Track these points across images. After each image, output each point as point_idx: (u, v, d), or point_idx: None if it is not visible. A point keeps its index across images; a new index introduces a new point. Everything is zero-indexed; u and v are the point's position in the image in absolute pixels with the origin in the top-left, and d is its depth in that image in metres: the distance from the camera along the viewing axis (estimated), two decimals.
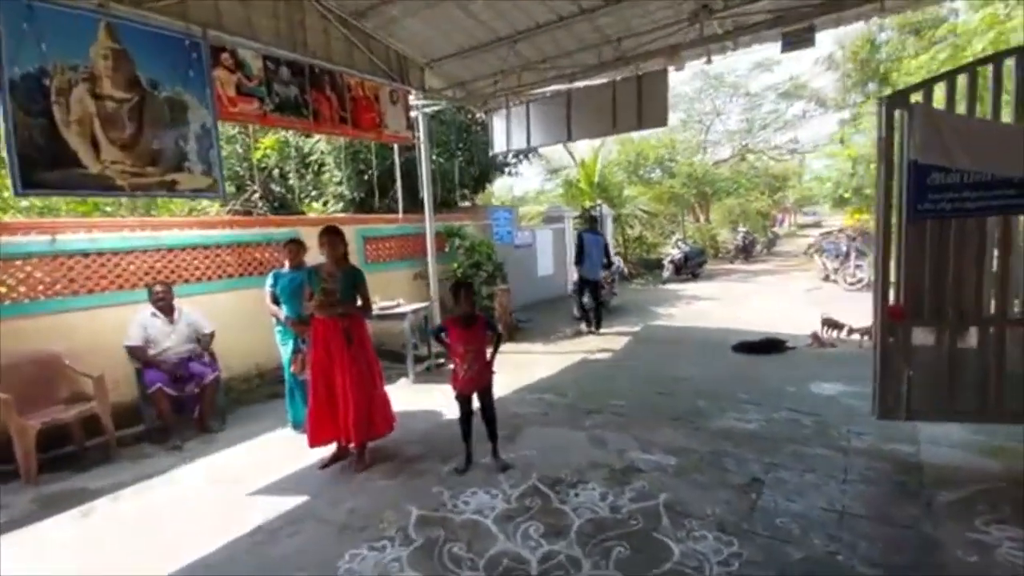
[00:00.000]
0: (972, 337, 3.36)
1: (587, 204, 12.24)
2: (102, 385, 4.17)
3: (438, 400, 5.07)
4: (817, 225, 32.48)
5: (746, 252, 18.17)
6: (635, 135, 16.32)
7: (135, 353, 4.39)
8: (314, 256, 4.44)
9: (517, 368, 5.99)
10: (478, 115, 8.79)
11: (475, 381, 3.58)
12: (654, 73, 6.01)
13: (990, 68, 3.18)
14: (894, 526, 2.79)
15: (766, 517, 2.91)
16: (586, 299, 7.91)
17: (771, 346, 6.26)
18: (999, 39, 6.87)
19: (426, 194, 6.98)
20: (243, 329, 5.41)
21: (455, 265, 7.49)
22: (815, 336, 6.52)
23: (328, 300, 3.61)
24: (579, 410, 4.67)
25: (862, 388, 4.81)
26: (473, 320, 3.55)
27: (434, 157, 7.57)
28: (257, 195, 7.89)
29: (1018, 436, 3.48)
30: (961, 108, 3.29)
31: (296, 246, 4.44)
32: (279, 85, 5.00)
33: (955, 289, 3.32)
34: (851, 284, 10.60)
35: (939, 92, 3.36)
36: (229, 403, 5.09)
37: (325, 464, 3.81)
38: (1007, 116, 3.24)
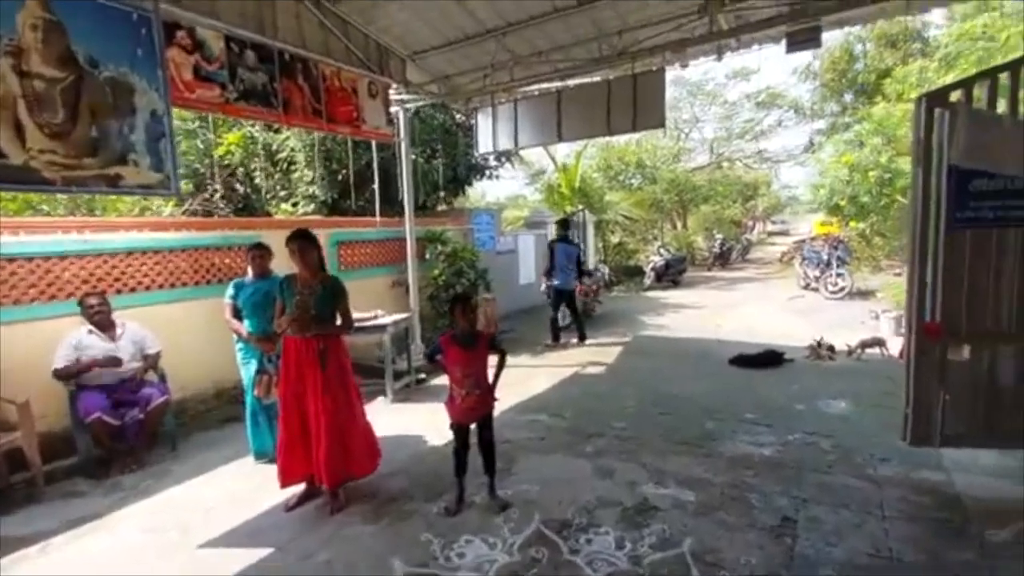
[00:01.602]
0: (1011, 356, 3.10)
1: (569, 209, 11.92)
2: (27, 412, 3.55)
3: (421, 422, 4.58)
4: (785, 233, 33.21)
5: (723, 259, 18.22)
6: (615, 140, 16.17)
7: (64, 376, 3.76)
8: (283, 264, 3.92)
9: (504, 385, 5.52)
10: (458, 116, 8.35)
11: (475, 410, 3.14)
12: (650, 72, 5.71)
13: None
14: (951, 573, 2.48)
15: (808, 567, 2.56)
16: (561, 313, 7.46)
17: (770, 359, 6.01)
18: (990, 51, 6.91)
19: (406, 196, 6.48)
20: (199, 344, 4.81)
21: (436, 272, 6.99)
22: (813, 348, 6.31)
23: (302, 316, 3.10)
24: (579, 433, 4.26)
25: (870, 405, 4.60)
26: (474, 339, 3.11)
27: (414, 157, 7.06)
28: (219, 195, 7.22)
29: None
30: (1001, 109, 3.04)
31: (261, 252, 3.89)
32: (244, 71, 4.44)
33: (995, 305, 3.07)
34: (833, 292, 10.58)
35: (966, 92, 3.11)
36: (181, 428, 4.48)
37: (292, 505, 3.28)
38: None
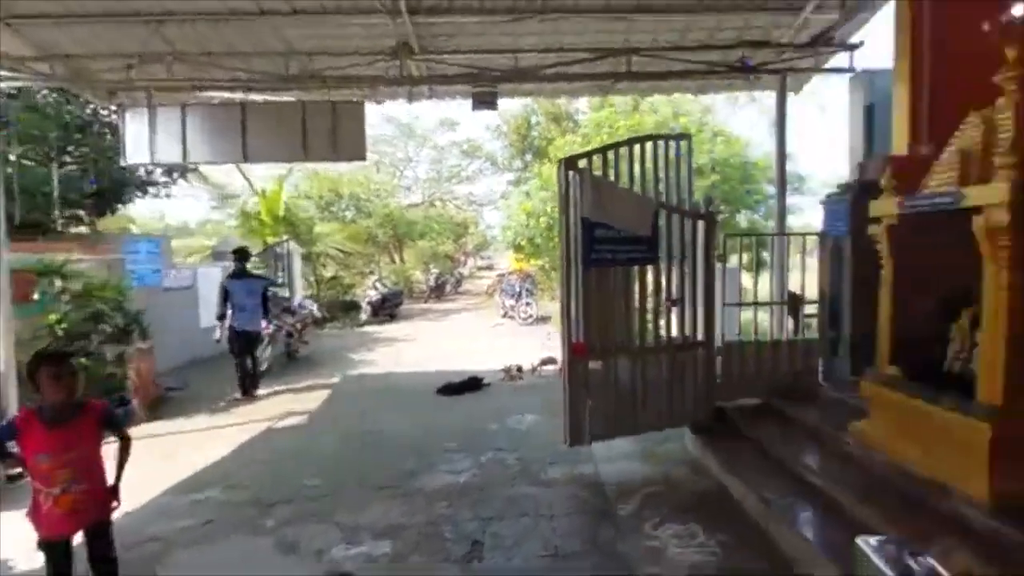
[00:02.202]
0: (626, 365, 4.00)
1: (271, 240, 10.69)
2: None
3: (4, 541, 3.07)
4: (491, 268, 38.02)
5: (439, 291, 19.47)
6: (325, 169, 15.38)
7: None
8: None
9: (164, 459, 4.34)
10: (102, 110, 6.44)
11: (77, 515, 2.20)
12: (350, 103, 5.57)
13: (627, 148, 3.97)
14: (600, 554, 2.92)
15: None
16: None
17: (472, 385, 6.45)
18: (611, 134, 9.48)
19: None
20: None
21: (53, 318, 4.99)
22: (506, 370, 7.09)
23: None
24: (261, 504, 3.56)
25: (547, 415, 5.31)
26: (70, 414, 2.18)
27: (15, 156, 5.03)
28: None
29: (659, 440, 4.32)
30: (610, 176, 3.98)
31: None
32: None
33: (613, 325, 3.92)
34: (524, 319, 12.42)
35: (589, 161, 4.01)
36: None
37: None
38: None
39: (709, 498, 3.50)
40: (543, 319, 12.62)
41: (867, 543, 1.84)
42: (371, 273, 16.62)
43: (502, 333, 11.35)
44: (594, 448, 4.23)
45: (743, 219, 11.57)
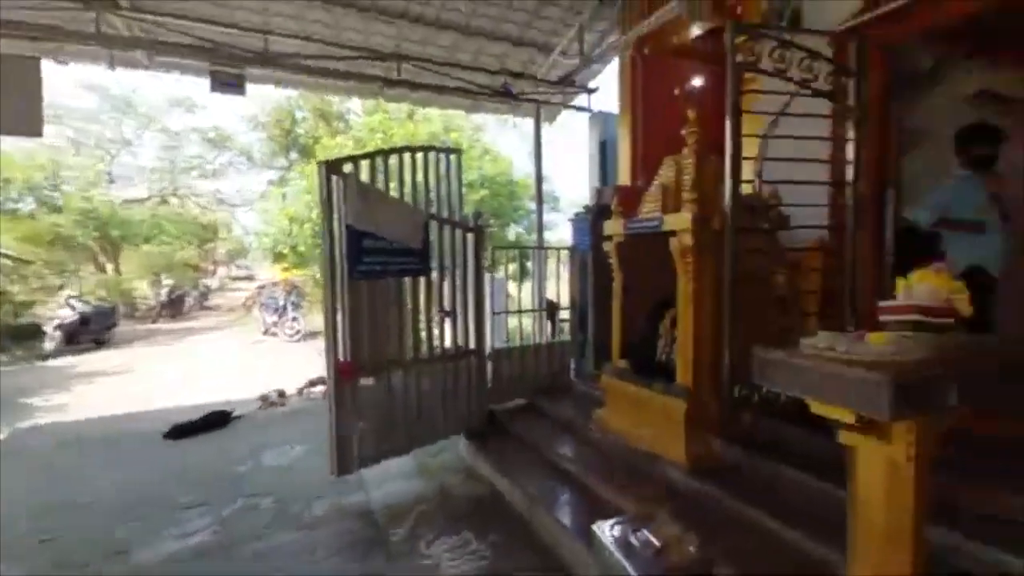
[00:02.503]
0: (401, 378, 3.83)
1: None
2: None
3: None
4: (250, 278, 33.30)
5: (174, 308, 16.02)
6: None
7: None
8: None
9: None
10: None
11: None
12: (18, 58, 4.05)
13: (397, 157, 3.82)
14: None
15: None
16: None
17: (214, 421, 5.36)
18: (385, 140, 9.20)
19: None
20: None
21: None
22: (263, 397, 6.15)
23: None
24: None
25: (316, 443, 4.76)
26: None
27: None
28: None
29: (435, 451, 4.26)
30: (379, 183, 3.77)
31: None
32: None
33: (386, 338, 3.72)
34: (290, 336, 11.10)
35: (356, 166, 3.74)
36: None
37: None
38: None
39: (483, 503, 3.58)
40: (313, 334, 11.51)
41: (600, 528, 2.08)
42: (63, 287, 12.50)
43: (263, 353, 9.93)
44: (366, 473, 3.93)
45: (511, 232, 12.67)
